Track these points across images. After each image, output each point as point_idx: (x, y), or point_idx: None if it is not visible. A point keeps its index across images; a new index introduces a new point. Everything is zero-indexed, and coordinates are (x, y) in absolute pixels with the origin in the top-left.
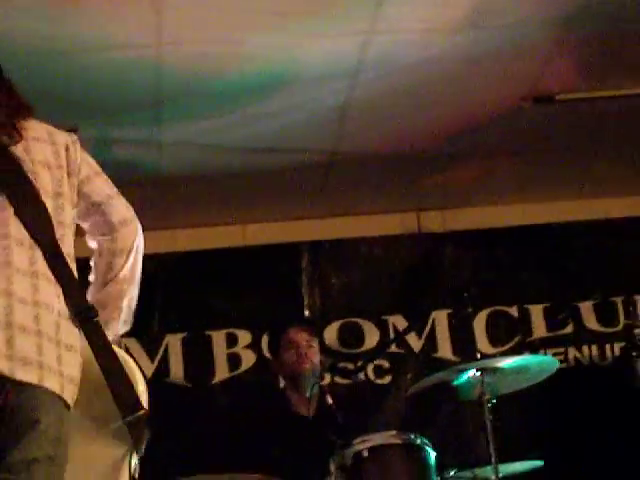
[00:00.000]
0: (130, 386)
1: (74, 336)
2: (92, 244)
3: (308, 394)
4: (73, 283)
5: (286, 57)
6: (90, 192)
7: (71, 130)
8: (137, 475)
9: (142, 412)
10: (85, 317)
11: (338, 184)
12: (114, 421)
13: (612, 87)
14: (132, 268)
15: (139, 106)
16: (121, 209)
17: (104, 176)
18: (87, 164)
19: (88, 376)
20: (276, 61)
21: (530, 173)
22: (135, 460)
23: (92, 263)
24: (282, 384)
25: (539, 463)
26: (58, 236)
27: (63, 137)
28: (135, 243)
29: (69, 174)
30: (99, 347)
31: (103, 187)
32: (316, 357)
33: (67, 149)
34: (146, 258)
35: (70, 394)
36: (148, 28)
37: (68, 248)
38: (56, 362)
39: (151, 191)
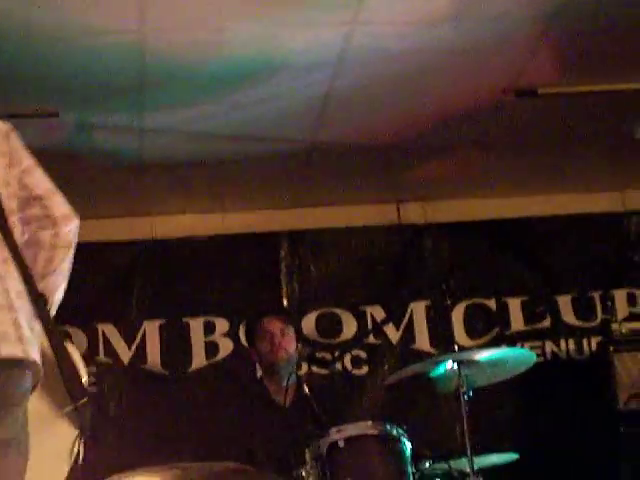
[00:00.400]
0: (78, 373)
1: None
2: (25, 236)
3: (285, 383)
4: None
5: (269, 46)
6: (31, 184)
7: (51, 114)
8: (81, 459)
9: (87, 399)
10: (40, 306)
11: (318, 174)
12: (63, 407)
13: (594, 82)
14: (68, 263)
15: (121, 92)
16: (62, 204)
17: (41, 168)
18: (26, 155)
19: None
20: (259, 49)
21: (511, 166)
22: (80, 445)
23: (24, 254)
24: (259, 373)
25: (515, 456)
26: (10, 223)
27: (2, 125)
28: (75, 239)
29: (11, 163)
30: (52, 334)
31: (44, 180)
32: (291, 346)
33: (8, 137)
34: (125, 244)
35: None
36: (131, 14)
37: (19, 236)
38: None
39: (131, 177)
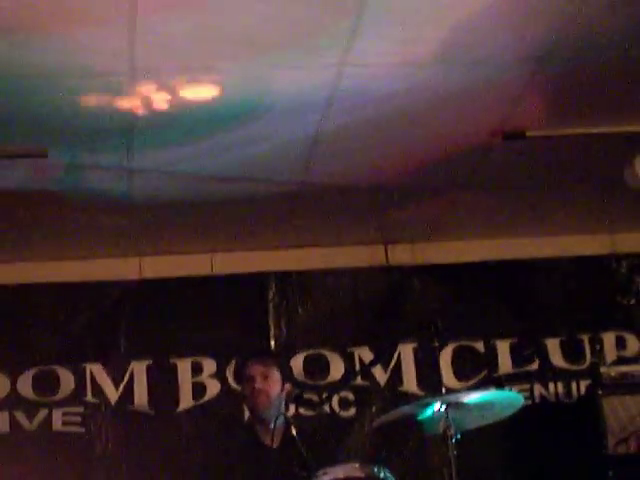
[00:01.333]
0: None
1: None
2: None
3: (272, 425)
4: None
5: (258, 87)
6: None
7: (40, 155)
8: None
9: None
10: None
11: (306, 215)
12: None
13: (582, 125)
14: None
15: (110, 133)
16: None
17: None
18: None
19: None
20: (248, 91)
21: (500, 208)
22: None
23: None
24: (248, 415)
25: None
26: None
27: None
28: None
29: None
30: None
31: None
32: (274, 389)
33: None
34: (113, 284)
35: None
36: (121, 56)
37: None
38: None
39: (120, 217)
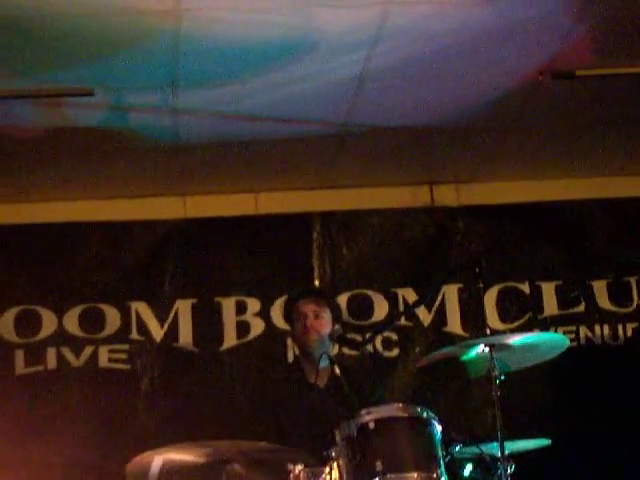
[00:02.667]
0: None
1: None
2: None
3: (319, 364)
4: None
5: (304, 26)
6: None
7: (86, 94)
8: None
9: None
10: None
11: (352, 155)
12: None
13: (632, 64)
14: None
15: (156, 72)
16: None
17: None
18: None
19: None
20: (294, 30)
21: (546, 149)
22: None
23: None
24: (295, 353)
25: (546, 441)
26: None
27: None
28: None
29: None
30: None
31: None
32: (325, 328)
33: None
34: (158, 223)
35: None
36: None
37: None
38: None
39: (165, 157)
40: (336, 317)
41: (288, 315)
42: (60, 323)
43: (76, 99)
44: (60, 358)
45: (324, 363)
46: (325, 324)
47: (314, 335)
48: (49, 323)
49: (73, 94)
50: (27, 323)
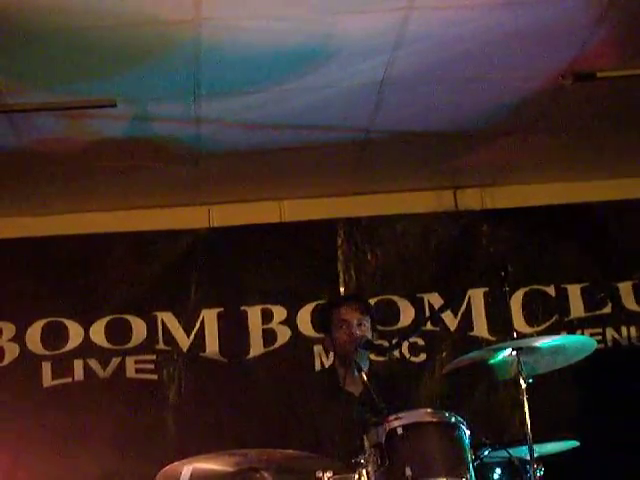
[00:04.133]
0: None
1: None
2: None
3: (355, 372)
4: None
5: (325, 32)
6: None
7: (109, 105)
8: None
9: None
10: None
11: (375, 161)
12: None
13: None
14: None
15: (177, 82)
16: None
17: None
18: None
19: None
20: (315, 36)
21: (570, 151)
22: None
23: None
24: (330, 361)
25: (575, 444)
26: None
27: None
28: None
29: None
30: None
31: None
32: (367, 335)
33: None
34: (183, 233)
35: None
36: (187, 3)
37: None
38: None
39: (188, 167)
40: (373, 326)
41: (325, 321)
42: (86, 334)
43: (99, 110)
44: (87, 370)
45: (356, 373)
46: (366, 332)
47: (356, 345)
48: (76, 335)
49: (96, 106)
50: (54, 335)
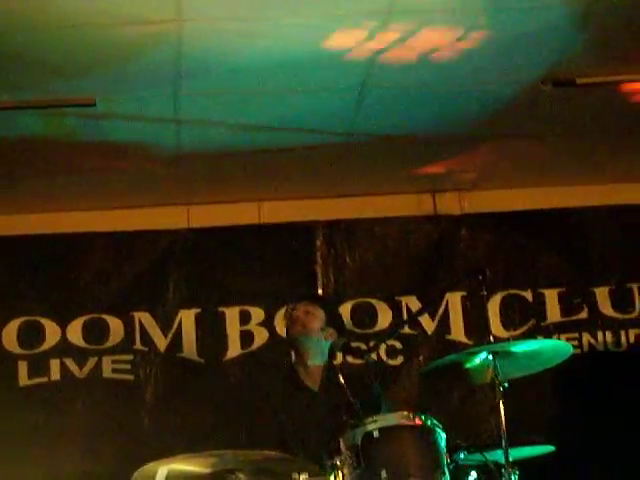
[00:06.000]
0: None
1: None
2: None
3: (309, 364)
4: None
5: (305, 36)
6: None
7: (89, 104)
8: None
9: None
10: None
11: (355, 164)
12: None
13: (633, 71)
14: None
15: (158, 82)
16: None
17: None
18: None
19: None
20: (295, 40)
21: (549, 157)
22: None
23: None
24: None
25: (550, 448)
26: None
27: None
28: None
29: None
30: None
31: None
32: (312, 323)
33: None
34: (161, 233)
35: None
36: (169, 3)
37: None
38: None
39: (168, 167)
40: (338, 327)
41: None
42: (63, 334)
43: (79, 109)
44: (64, 369)
45: (315, 362)
46: (313, 320)
47: (299, 327)
48: (52, 334)
49: (76, 105)
50: (30, 334)
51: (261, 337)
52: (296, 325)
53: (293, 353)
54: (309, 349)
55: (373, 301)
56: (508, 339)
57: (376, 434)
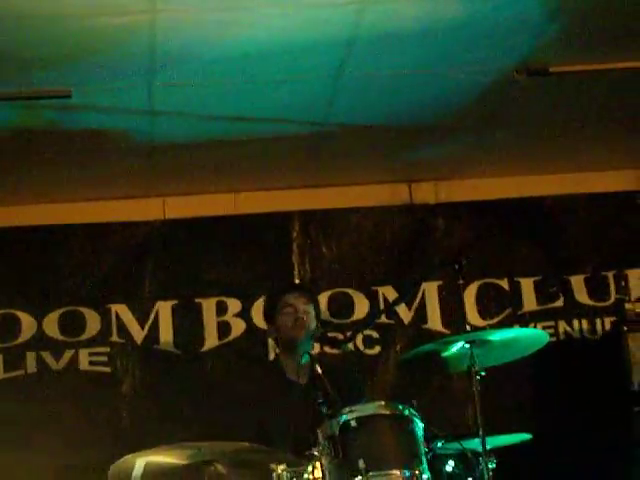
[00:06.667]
0: None
1: None
2: None
3: (300, 361)
4: None
5: (280, 25)
6: None
7: (64, 95)
8: None
9: None
10: None
11: (330, 154)
12: None
13: (606, 60)
14: None
15: (132, 73)
16: None
17: None
18: None
19: None
20: (270, 29)
21: (524, 145)
22: None
23: None
24: (274, 353)
25: (527, 436)
26: None
27: None
28: None
29: None
30: None
31: None
32: (312, 324)
33: None
34: (137, 225)
35: None
36: None
37: None
38: None
39: (143, 158)
40: (317, 315)
41: (271, 309)
42: (40, 327)
43: (54, 101)
44: (40, 362)
45: (305, 360)
46: (311, 321)
47: (302, 331)
48: (28, 327)
49: (51, 96)
50: (6, 327)
51: (238, 328)
52: (302, 329)
53: (279, 345)
54: (305, 349)
55: (350, 291)
56: (485, 328)
57: (354, 424)
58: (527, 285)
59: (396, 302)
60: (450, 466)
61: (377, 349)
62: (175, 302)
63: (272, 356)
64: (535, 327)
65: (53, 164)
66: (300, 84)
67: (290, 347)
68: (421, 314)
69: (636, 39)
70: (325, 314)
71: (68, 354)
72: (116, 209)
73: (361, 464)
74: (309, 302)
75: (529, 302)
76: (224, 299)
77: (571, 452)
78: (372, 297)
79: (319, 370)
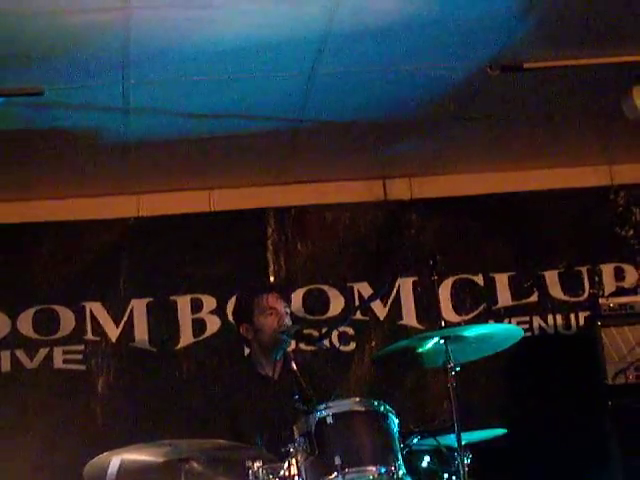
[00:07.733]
0: None
1: None
2: None
3: (275, 357)
4: None
5: (254, 22)
6: None
7: (37, 93)
8: None
9: None
10: None
11: (305, 150)
12: None
13: (580, 56)
14: None
15: (106, 71)
16: None
17: None
18: None
19: None
20: (245, 26)
21: (497, 141)
22: None
23: None
24: (247, 350)
25: (502, 431)
26: None
27: None
28: None
29: None
30: None
31: None
32: (289, 322)
33: None
34: (111, 223)
35: None
36: None
37: None
38: None
39: (117, 156)
40: (291, 313)
41: (247, 308)
42: (13, 325)
43: (26, 99)
44: (14, 360)
45: (278, 356)
46: (288, 320)
47: (282, 327)
48: (2, 325)
49: (23, 94)
50: None
51: (213, 325)
52: (281, 325)
53: (254, 343)
54: (282, 345)
55: (325, 287)
56: (460, 323)
57: (329, 420)
58: (501, 280)
59: (371, 298)
60: (426, 462)
61: (352, 346)
62: (150, 300)
63: (247, 353)
64: (510, 322)
65: (26, 162)
66: (274, 81)
67: (270, 345)
68: (396, 310)
69: (609, 35)
70: (300, 311)
71: (42, 352)
72: (90, 207)
73: (337, 460)
74: (286, 302)
75: (503, 297)
76: (199, 296)
77: (546, 446)
78: (347, 293)
79: (294, 367)
